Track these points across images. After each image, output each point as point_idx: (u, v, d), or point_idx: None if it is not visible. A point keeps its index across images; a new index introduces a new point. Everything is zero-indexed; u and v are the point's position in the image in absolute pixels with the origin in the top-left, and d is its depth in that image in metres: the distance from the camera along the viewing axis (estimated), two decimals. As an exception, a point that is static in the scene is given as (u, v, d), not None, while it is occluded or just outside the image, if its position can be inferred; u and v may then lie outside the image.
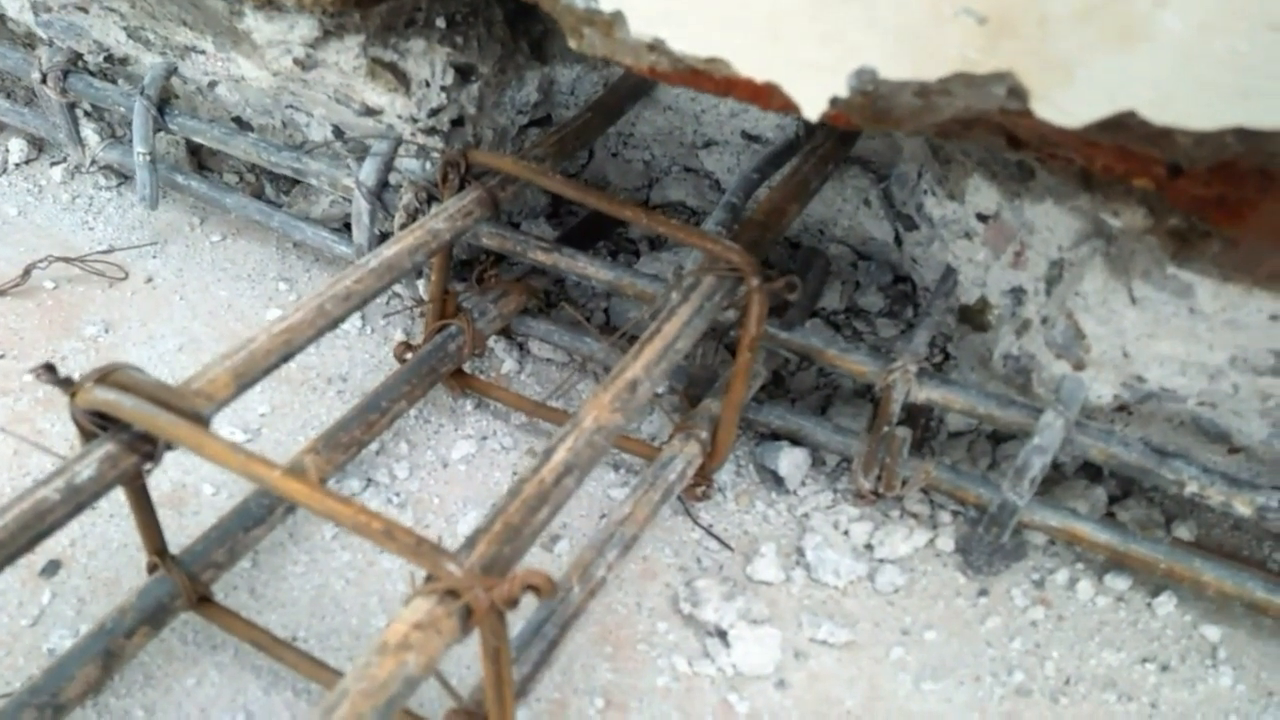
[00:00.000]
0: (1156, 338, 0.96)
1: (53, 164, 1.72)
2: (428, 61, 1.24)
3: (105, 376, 0.84)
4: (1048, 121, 0.70)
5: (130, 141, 1.55)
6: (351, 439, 1.13)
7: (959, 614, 1.13)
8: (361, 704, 0.66)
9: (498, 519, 0.79)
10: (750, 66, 0.79)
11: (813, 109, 0.78)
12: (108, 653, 0.88)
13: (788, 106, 0.82)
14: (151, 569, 0.95)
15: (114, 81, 1.56)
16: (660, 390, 1.27)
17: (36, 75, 1.54)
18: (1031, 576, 1.17)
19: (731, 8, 0.78)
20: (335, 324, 1.01)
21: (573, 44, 0.90)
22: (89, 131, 1.60)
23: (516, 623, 0.92)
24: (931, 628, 1.11)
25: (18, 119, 1.70)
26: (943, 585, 1.16)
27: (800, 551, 1.17)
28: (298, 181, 1.68)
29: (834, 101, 0.77)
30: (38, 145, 1.75)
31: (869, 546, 1.19)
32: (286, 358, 0.96)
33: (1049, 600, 1.15)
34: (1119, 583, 1.16)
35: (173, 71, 1.49)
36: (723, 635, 1.07)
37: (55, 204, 1.64)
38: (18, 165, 1.71)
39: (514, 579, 0.71)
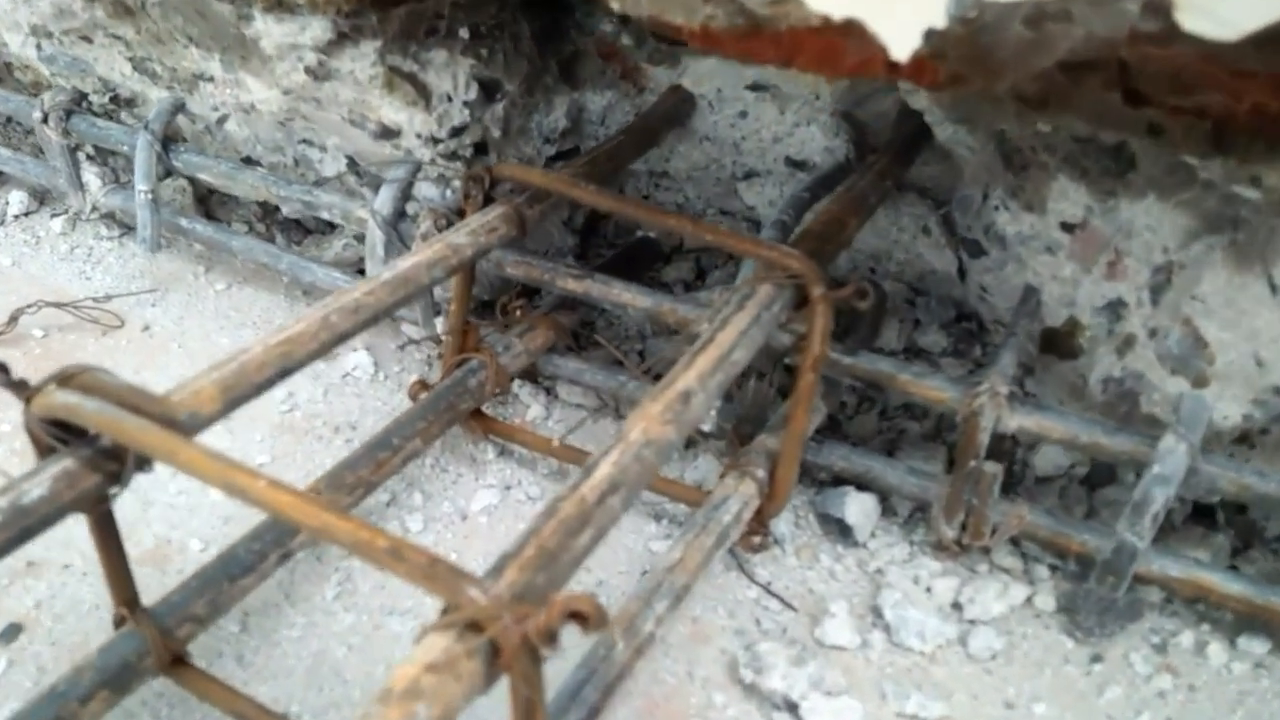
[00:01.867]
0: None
1: (53, 215, 1.62)
2: (449, 74, 1.14)
3: (70, 379, 0.70)
4: (1198, 35, 0.57)
5: (132, 186, 1.45)
6: (358, 479, 0.98)
7: (1071, 684, 0.95)
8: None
9: (530, 542, 0.64)
10: (826, 1, 0.67)
11: (903, 47, 0.65)
12: (79, 698, 0.72)
13: (868, 61, 0.70)
14: (119, 622, 0.80)
15: (120, 123, 1.47)
16: (708, 428, 1.13)
17: (38, 115, 1.45)
18: (1151, 640, 1.00)
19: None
20: (341, 340, 0.88)
21: (615, 4, 0.78)
22: (91, 176, 1.50)
23: (552, 682, 0.76)
24: (1040, 700, 0.94)
25: (19, 169, 1.61)
26: (1047, 650, 0.99)
27: (877, 611, 1.01)
28: (310, 231, 1.58)
29: (929, 36, 0.65)
30: (39, 197, 1.66)
31: (957, 605, 1.02)
32: (284, 373, 0.83)
33: (1175, 667, 0.97)
34: (1255, 645, 0.98)
35: (180, 108, 1.40)
36: (793, 708, 0.90)
37: (53, 254, 1.54)
38: (17, 217, 1.62)
39: (552, 606, 0.56)
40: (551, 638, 0.56)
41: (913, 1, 0.64)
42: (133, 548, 1.04)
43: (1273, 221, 0.78)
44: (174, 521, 1.08)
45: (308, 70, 1.11)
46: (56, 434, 0.70)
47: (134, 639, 0.79)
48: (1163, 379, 0.94)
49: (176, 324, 1.39)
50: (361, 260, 1.39)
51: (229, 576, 0.85)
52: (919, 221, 1.33)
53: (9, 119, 1.75)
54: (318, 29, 1.04)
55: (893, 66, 0.69)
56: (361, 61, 1.09)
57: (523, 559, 0.62)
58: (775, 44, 0.74)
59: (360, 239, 1.37)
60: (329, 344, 0.87)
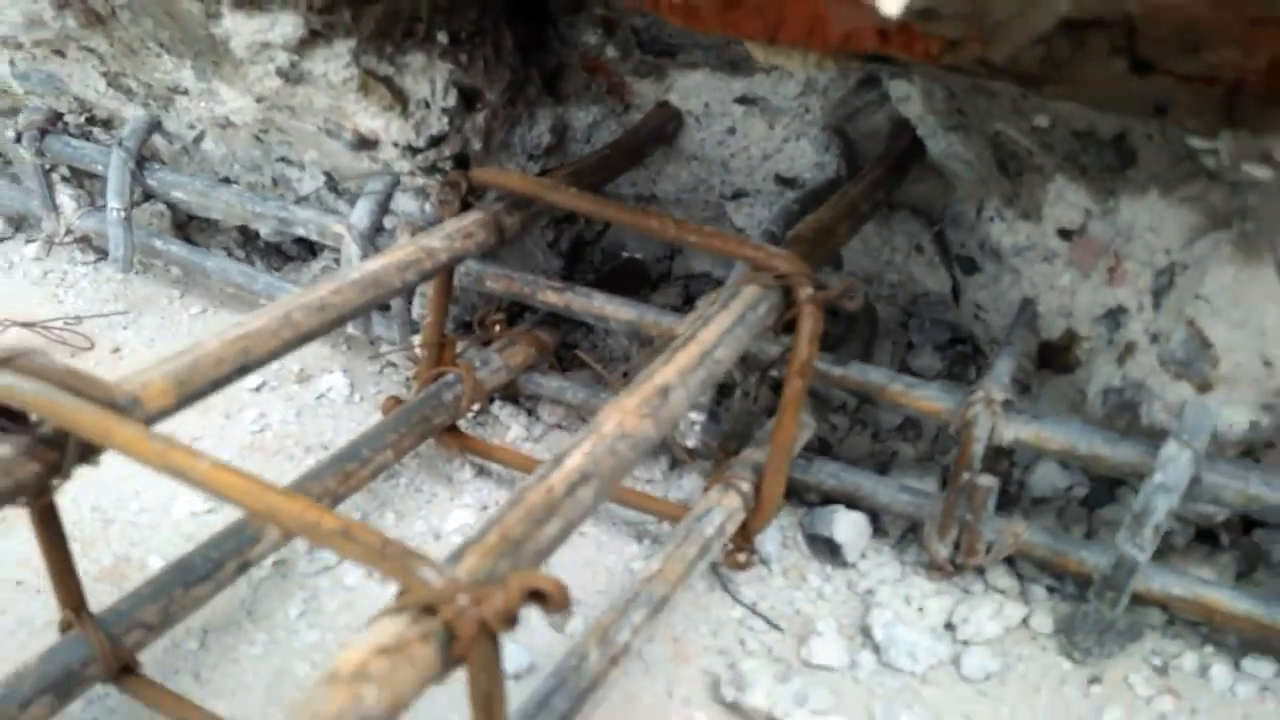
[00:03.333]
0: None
1: (28, 241, 1.60)
2: (428, 79, 1.12)
3: (8, 361, 0.67)
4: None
5: (105, 208, 1.43)
6: (324, 490, 0.94)
7: (1068, 706, 0.91)
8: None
9: (493, 530, 0.60)
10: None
11: (894, 2, 0.62)
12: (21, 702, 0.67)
13: (855, 35, 0.68)
14: (65, 628, 0.75)
15: (96, 142, 1.45)
16: (692, 444, 1.09)
17: (11, 134, 1.43)
18: (1152, 661, 0.95)
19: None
20: (305, 340, 0.84)
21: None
22: (65, 198, 1.48)
23: (517, 694, 0.72)
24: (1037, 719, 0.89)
25: (-10, 197, 1.58)
26: (1044, 672, 0.94)
27: (866, 631, 0.96)
28: (290, 258, 1.55)
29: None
30: (14, 224, 1.63)
31: (950, 626, 0.98)
32: (243, 370, 0.79)
33: (1177, 690, 0.92)
34: (1262, 668, 0.94)
35: (156, 126, 1.38)
36: (777, 728, 0.85)
37: (25, 279, 1.51)
38: (-10, 243, 1.59)
39: (509, 584, 0.52)
40: (510, 620, 0.52)
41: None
42: (90, 564, 1.01)
43: (1277, 207, 0.75)
44: (134, 539, 1.03)
45: (279, 73, 1.09)
46: (-3, 421, 0.67)
47: (80, 646, 0.74)
48: (1165, 386, 0.90)
49: (148, 346, 1.36)
50: (341, 281, 1.36)
51: (184, 584, 0.81)
52: (912, 240, 1.31)
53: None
54: (288, 25, 1.02)
55: (884, 37, 0.67)
56: (335, 63, 1.07)
57: (484, 545, 0.58)
58: (759, 14, 0.72)
59: (339, 258, 1.35)
60: (292, 343, 0.83)
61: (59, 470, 0.68)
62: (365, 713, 0.48)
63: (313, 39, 1.04)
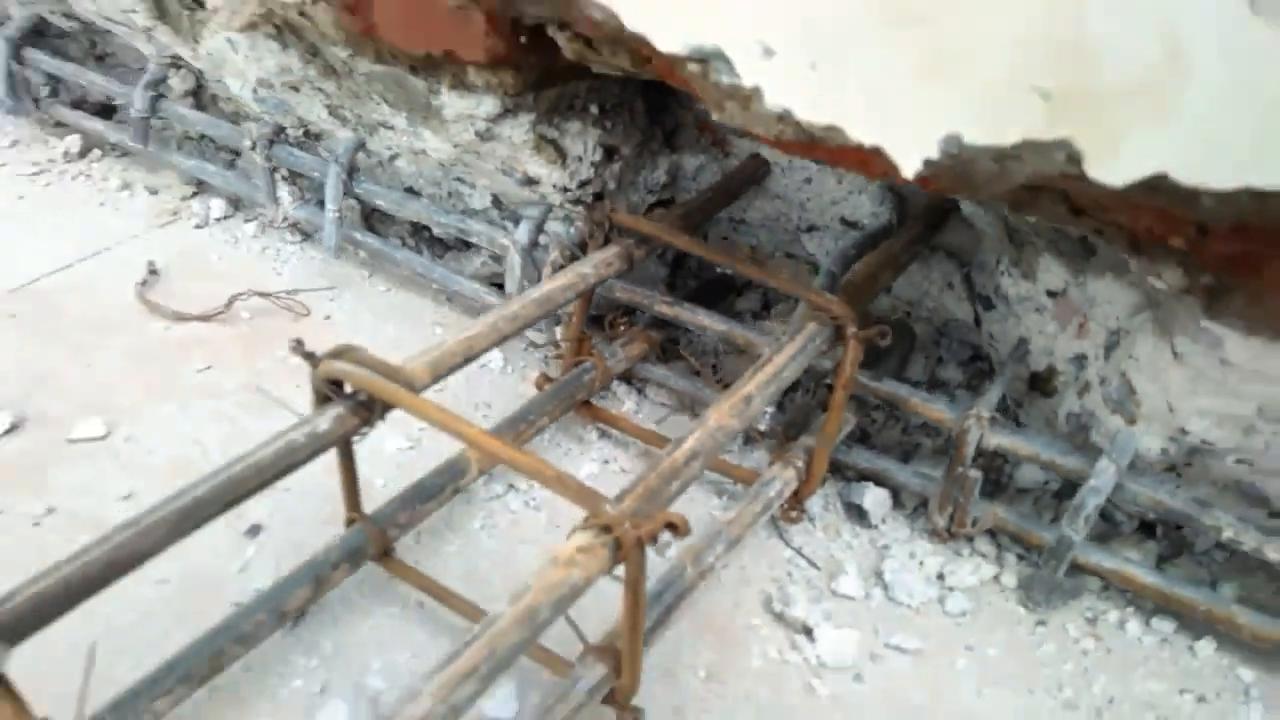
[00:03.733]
0: (1196, 393, 1.13)
1: (246, 220, 2.01)
2: (581, 140, 1.50)
3: (340, 353, 1.07)
4: (1099, 182, 0.90)
5: (315, 202, 1.84)
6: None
7: (1018, 639, 1.27)
8: (540, 596, 0.85)
9: (641, 484, 0.99)
10: (860, 132, 1.00)
11: (910, 168, 0.99)
12: (317, 579, 1.09)
13: (888, 171, 1.04)
14: (349, 523, 1.17)
15: (311, 152, 1.86)
16: (763, 428, 1.47)
17: (247, 143, 1.84)
18: (1085, 614, 1.31)
19: (849, 82, 1.00)
20: (503, 339, 1.24)
21: (715, 116, 1.13)
22: (284, 193, 1.89)
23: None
24: (993, 647, 1.26)
25: (221, 181, 2.01)
26: (1005, 615, 1.31)
27: (879, 575, 1.34)
28: (450, 247, 1.95)
29: (927, 163, 0.98)
30: (234, 204, 2.05)
31: (940, 576, 1.35)
32: (468, 360, 1.19)
33: (1099, 635, 1.29)
34: (1164, 625, 1.29)
35: (361, 146, 1.78)
36: (808, 632, 1.24)
37: (248, 253, 1.93)
38: (218, 220, 2.01)
39: (655, 519, 0.91)
40: (654, 539, 0.91)
41: (916, 139, 0.98)
42: (329, 482, 1.41)
43: (1174, 305, 1.09)
44: (366, 467, 1.44)
45: (477, 133, 1.47)
46: (330, 390, 1.07)
47: (359, 534, 1.15)
48: (1106, 417, 1.25)
49: (351, 316, 1.77)
50: (494, 275, 1.76)
51: (420, 499, 1.22)
52: (946, 277, 1.66)
53: (203, 137, 2.15)
54: (489, 105, 1.40)
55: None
56: (518, 129, 1.45)
57: (636, 492, 0.97)
58: (827, 153, 1.07)
59: (495, 259, 1.74)
60: (495, 342, 1.22)
61: (367, 423, 1.08)
62: (573, 582, 0.88)
63: (504, 113, 1.42)
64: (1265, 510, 1.27)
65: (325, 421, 1.04)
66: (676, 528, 0.90)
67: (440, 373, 1.14)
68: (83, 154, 2.21)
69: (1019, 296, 1.43)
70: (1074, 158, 0.92)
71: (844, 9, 0.98)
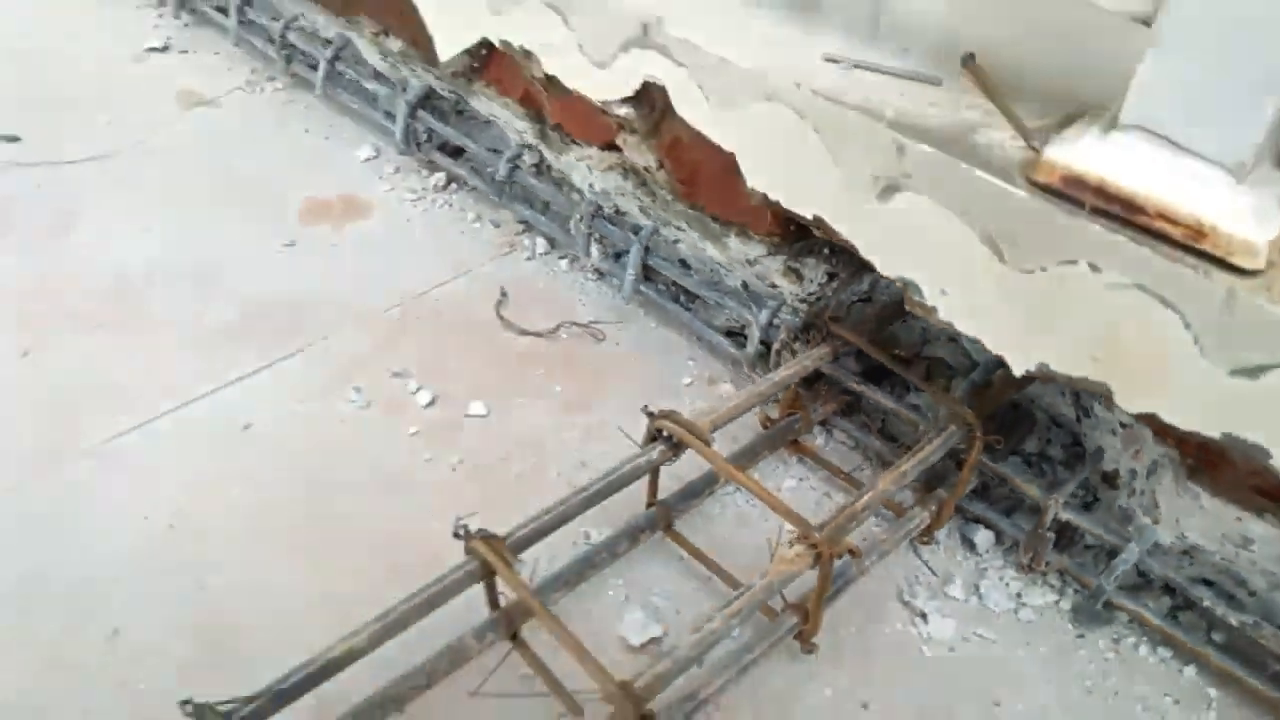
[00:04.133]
0: (1189, 516, 1.78)
1: (560, 257, 2.81)
2: (814, 270, 2.21)
3: (666, 415, 1.83)
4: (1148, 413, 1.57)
5: (613, 255, 2.62)
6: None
7: (1063, 644, 1.95)
8: (774, 577, 1.60)
9: (834, 519, 1.72)
10: (998, 345, 1.69)
11: (1019, 369, 1.67)
12: (632, 536, 1.88)
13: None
14: (648, 506, 1.95)
15: (619, 228, 2.63)
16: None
17: (576, 217, 2.63)
18: (1112, 637, 1.98)
19: (996, 314, 1.69)
20: (751, 407, 1.98)
21: (910, 308, 1.83)
22: (594, 249, 2.67)
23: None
24: (1044, 646, 1.94)
25: (543, 225, 2.80)
26: (1057, 628, 1.98)
27: (977, 587, 2.03)
28: (695, 297, 2.70)
29: (1027, 372, 1.66)
30: (551, 242, 2.85)
31: (1019, 595, 2.03)
32: (730, 420, 1.94)
33: (1119, 651, 1.95)
34: (1164, 652, 1.94)
35: (656, 231, 2.54)
36: (924, 616, 1.95)
37: (562, 284, 2.73)
38: (541, 255, 2.82)
39: (843, 544, 1.64)
40: (842, 555, 1.64)
41: (1026, 353, 1.65)
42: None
43: (1176, 469, 1.74)
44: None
45: (747, 261, 2.20)
46: (658, 433, 1.84)
47: (651, 514, 1.93)
48: (1140, 515, 1.91)
49: (635, 346, 2.55)
50: (732, 327, 2.50)
51: (691, 495, 1.98)
52: (1060, 388, 2.30)
53: (544, 201, 2.94)
54: (759, 249, 2.13)
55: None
56: (775, 262, 2.17)
57: (831, 526, 1.70)
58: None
59: (736, 320, 2.48)
60: (751, 407, 1.97)
61: (675, 456, 1.85)
62: (793, 572, 1.62)
63: (767, 253, 2.15)
64: (1246, 589, 1.90)
65: (655, 453, 1.81)
66: (855, 553, 1.63)
67: (716, 428, 1.89)
68: (445, 186, 3.06)
69: (1104, 419, 2.08)
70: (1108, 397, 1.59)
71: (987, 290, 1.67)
